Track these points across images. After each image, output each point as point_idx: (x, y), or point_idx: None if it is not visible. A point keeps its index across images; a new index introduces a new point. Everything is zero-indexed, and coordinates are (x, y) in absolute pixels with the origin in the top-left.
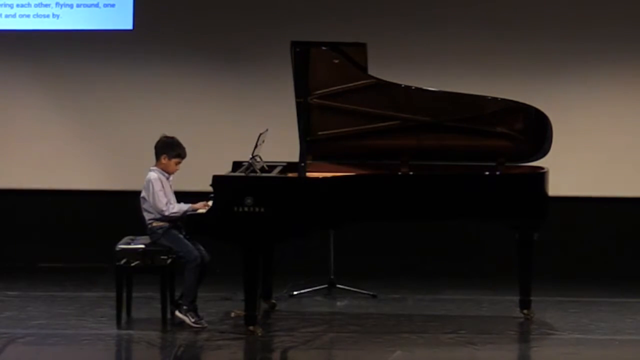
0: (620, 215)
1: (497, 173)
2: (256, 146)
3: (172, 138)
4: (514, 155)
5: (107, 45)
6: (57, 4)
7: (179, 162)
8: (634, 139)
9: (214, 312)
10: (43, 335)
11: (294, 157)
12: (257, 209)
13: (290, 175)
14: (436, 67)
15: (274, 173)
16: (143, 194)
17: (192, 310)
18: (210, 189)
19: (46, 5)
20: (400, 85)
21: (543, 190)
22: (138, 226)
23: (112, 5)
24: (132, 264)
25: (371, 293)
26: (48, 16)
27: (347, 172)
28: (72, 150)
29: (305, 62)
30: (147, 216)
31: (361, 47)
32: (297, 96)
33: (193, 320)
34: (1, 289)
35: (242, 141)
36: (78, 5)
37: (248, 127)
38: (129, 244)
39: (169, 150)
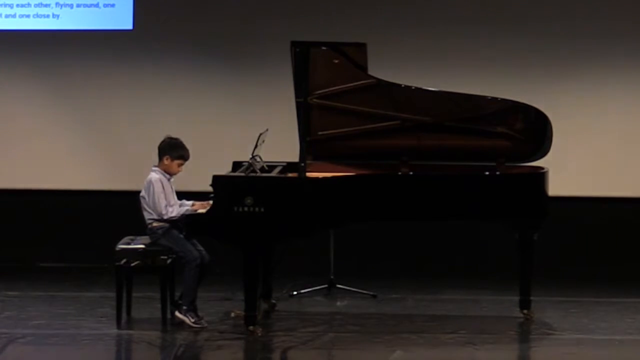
0: (620, 215)
1: (497, 173)
2: (256, 146)
3: (176, 139)
4: (514, 155)
5: (107, 45)
6: (57, 4)
7: (182, 164)
8: (634, 139)
9: (214, 312)
10: (43, 335)
11: (294, 157)
12: (257, 209)
13: (290, 175)
14: (436, 67)
15: (274, 173)
16: (143, 193)
17: (192, 310)
18: (210, 189)
19: (46, 5)
20: (400, 85)
21: (543, 190)
22: (138, 226)
23: (112, 5)
24: (132, 264)
25: (371, 293)
26: (48, 16)
27: (347, 172)
28: (72, 150)
29: (305, 62)
30: (147, 216)
31: (361, 47)
32: (297, 96)
33: (193, 320)
34: (1, 289)
35: (242, 141)
36: (78, 5)
37: (248, 127)
38: (129, 244)
39: (172, 151)
